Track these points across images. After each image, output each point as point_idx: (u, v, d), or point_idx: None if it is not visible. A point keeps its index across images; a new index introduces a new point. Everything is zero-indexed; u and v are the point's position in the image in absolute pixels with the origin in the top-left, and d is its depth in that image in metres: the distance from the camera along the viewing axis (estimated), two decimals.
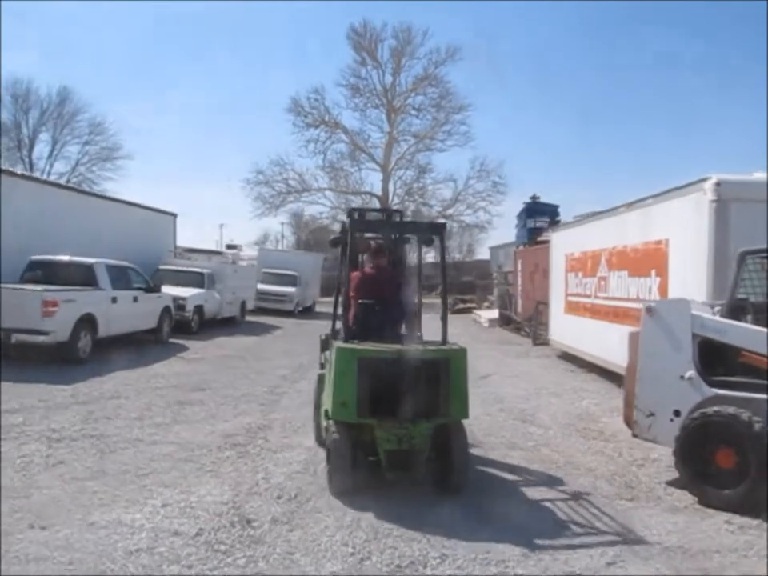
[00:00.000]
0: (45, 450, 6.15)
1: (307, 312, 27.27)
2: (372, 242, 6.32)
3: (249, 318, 21.65)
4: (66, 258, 11.92)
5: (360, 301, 5.73)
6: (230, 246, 27.08)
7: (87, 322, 11.03)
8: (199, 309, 16.81)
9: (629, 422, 5.97)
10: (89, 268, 11.79)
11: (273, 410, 8.28)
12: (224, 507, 4.81)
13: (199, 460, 6.02)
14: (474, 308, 28.12)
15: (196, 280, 17.28)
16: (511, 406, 8.99)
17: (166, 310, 14.37)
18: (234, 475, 5.57)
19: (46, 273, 11.64)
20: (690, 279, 7.90)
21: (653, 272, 8.94)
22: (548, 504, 5.18)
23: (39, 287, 10.39)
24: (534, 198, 20.77)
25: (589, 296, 11.69)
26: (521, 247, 21.51)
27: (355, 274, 5.97)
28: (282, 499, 5.02)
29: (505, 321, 21.48)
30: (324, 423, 5.66)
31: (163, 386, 9.57)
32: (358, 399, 5.00)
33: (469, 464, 5.44)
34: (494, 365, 13.15)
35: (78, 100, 44.09)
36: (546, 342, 16.57)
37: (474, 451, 6.24)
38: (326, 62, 69.20)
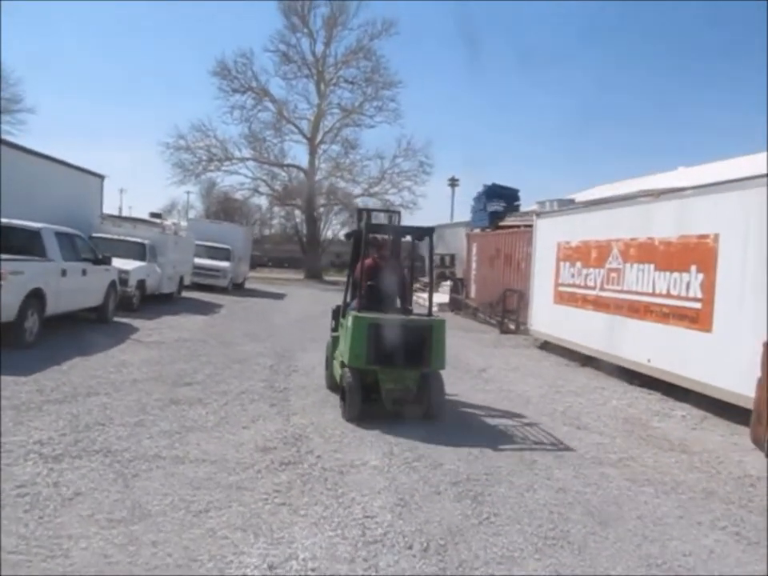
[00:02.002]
0: (45, 473, 4.69)
1: (239, 289, 25.56)
2: (378, 238, 7.87)
3: (183, 294, 19.81)
4: (5, 220, 9.94)
5: (368, 282, 7.37)
6: (153, 215, 24.78)
7: (35, 297, 9.23)
8: (141, 284, 14.97)
9: (759, 440, 5.27)
10: (35, 234, 9.90)
11: (290, 412, 7.07)
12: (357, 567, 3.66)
13: (257, 487, 4.77)
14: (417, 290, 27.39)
15: (136, 251, 15.37)
16: (545, 408, 8.20)
17: (112, 284, 12.56)
18: (324, 513, 4.37)
19: None
20: (750, 278, 7.35)
21: (693, 268, 8.37)
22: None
23: None
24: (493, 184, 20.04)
25: (592, 287, 11.09)
26: (475, 230, 20.85)
27: (366, 262, 7.47)
28: (417, 549, 3.91)
29: (455, 306, 20.84)
30: (339, 371, 7.36)
31: (141, 379, 8.08)
32: (367, 352, 6.79)
33: (444, 401, 7.22)
34: (479, 356, 12.41)
35: None
36: (512, 331, 16.08)
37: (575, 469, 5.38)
38: (253, 25, 65.62)
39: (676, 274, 8.73)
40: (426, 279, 30.21)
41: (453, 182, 58.90)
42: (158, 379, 8.18)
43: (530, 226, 16.56)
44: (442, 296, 23.72)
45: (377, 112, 39.99)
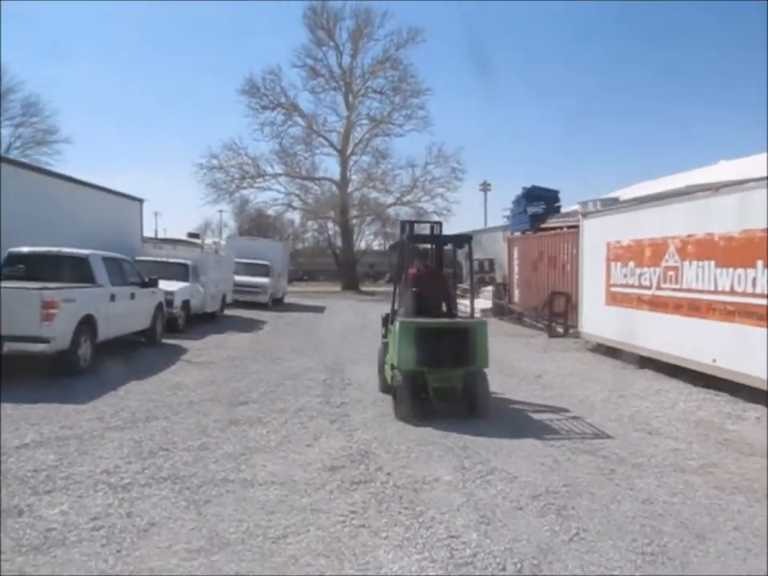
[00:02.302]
0: (117, 503, 4.61)
1: (279, 304, 25.60)
2: (420, 248, 8.45)
3: (225, 312, 19.89)
4: (54, 249, 10.06)
5: (414, 289, 7.86)
6: (191, 235, 25.00)
7: (87, 324, 9.27)
8: (186, 304, 15.04)
9: None
10: (83, 261, 9.98)
11: (352, 428, 6.91)
12: None
13: (332, 509, 4.62)
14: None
15: (180, 272, 15.47)
16: (611, 414, 7.91)
17: (159, 307, 12.62)
18: (406, 534, 4.20)
19: (29, 268, 9.77)
20: None
21: (759, 263, 8.01)
22: None
23: (36, 285, 8.55)
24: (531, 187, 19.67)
25: (647, 287, 10.74)
26: (516, 234, 20.54)
27: (411, 271, 8.04)
28: (511, 571, 3.71)
29: (499, 311, 20.53)
30: (390, 373, 7.80)
31: (197, 400, 8.02)
32: (415, 355, 7.20)
33: (489, 398, 7.55)
34: (531, 361, 12.13)
35: (10, 78, 40.31)
36: (560, 335, 15.74)
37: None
38: (279, 42, 66.36)
39: (740, 270, 8.37)
40: (464, 285, 29.99)
41: (485, 187, 58.72)
42: (213, 400, 8.13)
43: (574, 227, 16.24)
44: (483, 302, 23.41)
45: (406, 120, 40.00)
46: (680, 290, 9.77)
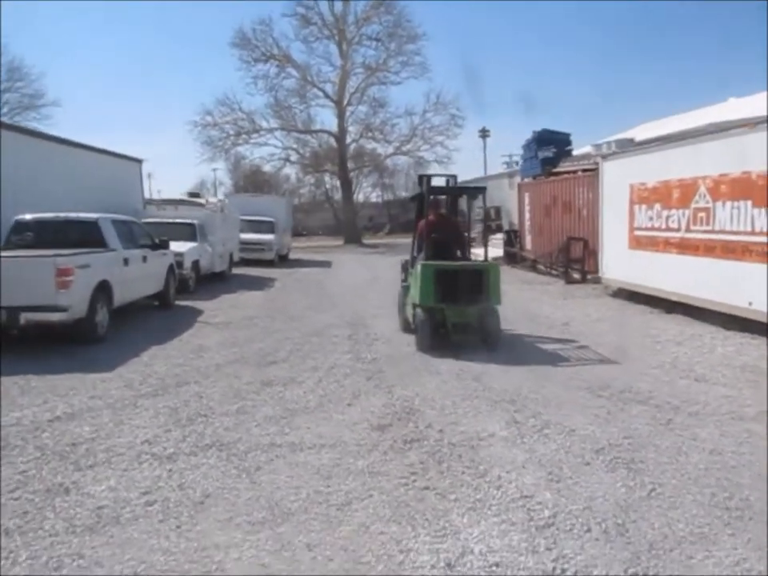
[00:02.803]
0: (165, 476, 4.41)
1: (284, 260, 25.28)
2: (437, 199, 9.22)
3: (233, 271, 19.59)
4: (62, 215, 9.69)
5: (433, 236, 8.63)
6: (192, 194, 24.32)
7: (102, 290, 8.97)
8: (196, 265, 14.72)
9: None
10: (93, 225, 9.62)
11: (389, 384, 6.70)
12: None
13: (390, 471, 4.41)
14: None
15: (187, 232, 15.09)
16: (651, 360, 7.74)
17: (171, 269, 12.30)
18: (476, 495, 4.00)
19: (38, 235, 9.43)
20: None
21: None
22: None
23: (48, 252, 8.21)
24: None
25: (675, 229, 10.43)
26: (526, 179, 20.08)
27: (430, 219, 8.75)
28: (598, 532, 3.52)
29: (511, 259, 20.23)
30: (412, 312, 8.62)
31: (223, 363, 7.80)
32: (435, 293, 8.06)
33: (500, 332, 8.38)
34: (554, 309, 11.91)
35: None
36: (577, 281, 15.50)
37: None
38: None
39: None
40: (471, 235, 29.70)
41: (484, 133, 57.73)
42: (241, 361, 7.91)
43: (589, 170, 15.84)
44: (492, 250, 23.11)
45: (402, 68, 38.82)
46: (712, 231, 9.46)
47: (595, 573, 3.11)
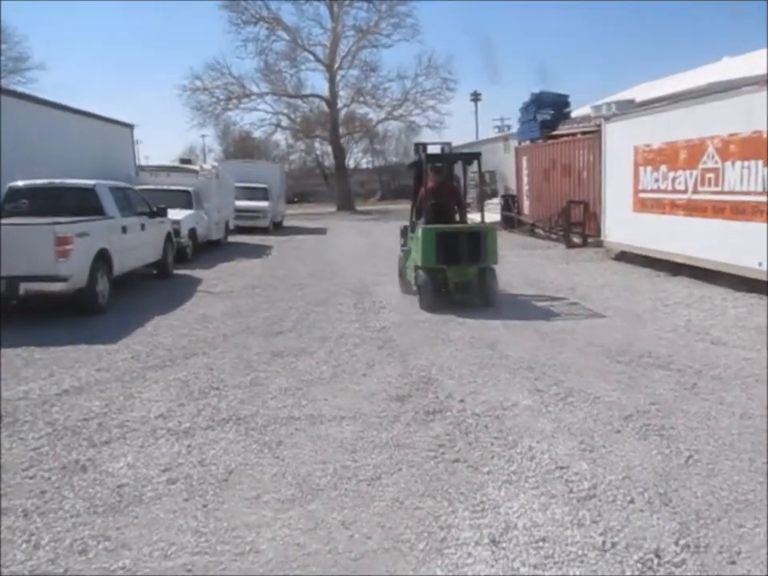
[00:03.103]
0: (185, 452, 4.25)
1: (279, 228, 24.93)
2: (435, 165, 9.20)
3: (229, 239, 19.29)
4: (57, 181, 9.37)
5: (432, 201, 8.93)
6: (183, 161, 23.79)
7: (102, 259, 8.71)
8: (193, 233, 14.43)
9: None
10: (90, 192, 9.32)
11: (402, 353, 6.55)
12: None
13: (416, 443, 4.27)
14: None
15: (183, 200, 14.75)
16: (664, 324, 7.62)
17: (169, 237, 12.03)
18: (509, 467, 3.86)
19: (33, 202, 9.12)
20: None
21: None
22: None
23: (47, 220, 7.93)
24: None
25: (682, 191, 10.24)
26: (524, 143, 19.74)
27: (429, 186, 9.01)
28: (641, 502, 3.39)
29: (508, 224, 20.01)
30: (413, 275, 9.03)
31: (230, 333, 7.62)
32: (436, 255, 8.44)
33: (496, 289, 8.85)
34: (558, 274, 11.75)
35: None
36: (578, 245, 15.34)
37: None
38: None
39: None
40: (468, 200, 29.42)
41: (475, 97, 56.87)
42: (247, 331, 7.73)
43: (589, 132, 15.58)
44: (487, 215, 22.84)
45: (394, 30, 37.94)
46: (721, 192, 9.28)
47: (646, 545, 2.98)
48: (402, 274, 9.97)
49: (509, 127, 59.07)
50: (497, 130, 61.41)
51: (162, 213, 11.22)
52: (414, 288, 9.05)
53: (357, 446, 4.28)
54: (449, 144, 10.19)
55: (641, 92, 23.07)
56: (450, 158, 9.93)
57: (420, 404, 5.05)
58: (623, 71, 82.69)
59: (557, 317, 8.14)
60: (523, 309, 8.68)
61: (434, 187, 9.09)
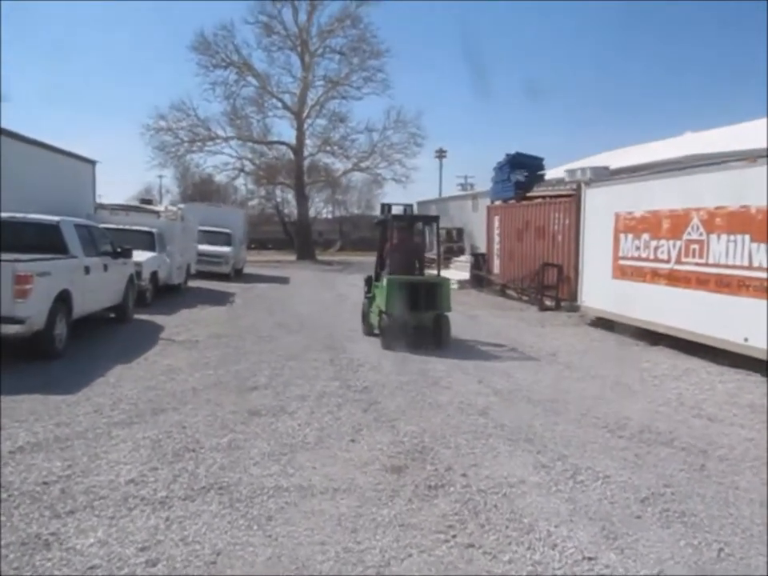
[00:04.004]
0: (163, 526, 3.83)
1: (239, 275, 24.45)
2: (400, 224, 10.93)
3: (189, 284, 18.77)
4: (19, 215, 8.90)
5: (396, 254, 10.41)
6: (144, 201, 23.33)
7: (63, 301, 8.23)
8: (154, 276, 13.95)
9: None
10: (54, 229, 8.87)
11: (390, 418, 6.24)
12: None
13: (423, 524, 3.95)
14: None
15: (145, 241, 14.29)
16: (656, 397, 7.53)
17: (131, 279, 11.55)
18: (531, 556, 3.57)
19: None
20: None
21: None
22: None
23: (6, 257, 7.44)
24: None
25: (665, 261, 10.35)
26: (497, 202, 19.99)
27: (394, 242, 10.63)
28: None
29: (477, 282, 20.06)
30: (377, 319, 10.33)
31: (200, 387, 7.19)
32: (398, 301, 9.69)
33: (449, 334, 10.18)
34: (535, 337, 11.68)
35: None
36: (551, 308, 15.39)
37: None
38: None
39: None
40: (430, 255, 29.55)
41: (440, 154, 58.25)
42: (218, 386, 7.33)
43: (564, 195, 15.85)
44: (455, 272, 22.88)
45: (364, 83, 38.67)
46: (706, 264, 9.39)
47: None
48: (365, 318, 11.16)
49: (472, 186, 60.68)
50: (460, 187, 63.01)
51: (127, 254, 10.79)
52: (376, 330, 10.40)
53: (357, 524, 3.94)
54: (410, 206, 12.19)
55: (603, 160, 23.77)
56: (412, 218, 11.82)
57: (419, 477, 4.75)
58: (581, 138, 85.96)
59: (543, 381, 7.97)
60: (509, 375, 8.49)
61: (398, 243, 10.64)
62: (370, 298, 10.99)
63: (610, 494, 4.49)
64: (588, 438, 5.78)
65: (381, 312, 10.06)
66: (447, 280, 10.82)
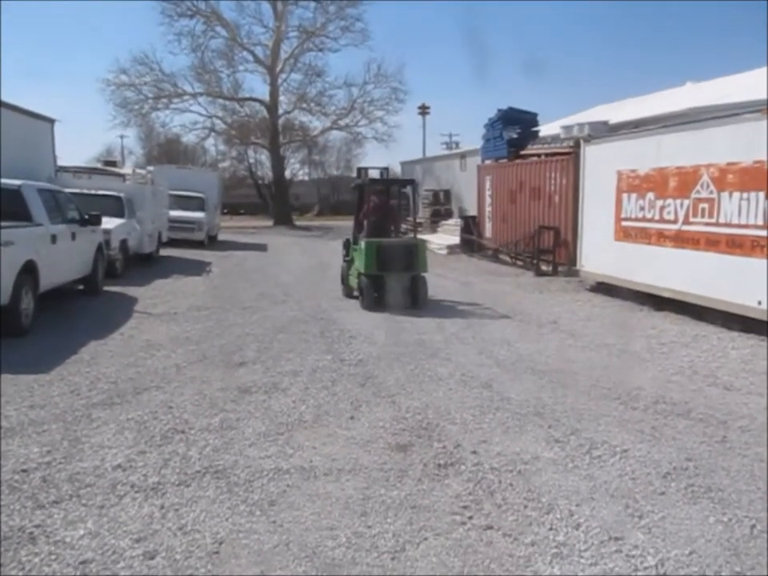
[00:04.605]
0: (158, 515, 3.76)
1: (213, 242, 24.18)
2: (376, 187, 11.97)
3: (161, 253, 18.51)
4: None
5: (372, 218, 11.28)
6: (107, 163, 22.87)
7: (28, 273, 8.04)
8: (124, 245, 13.71)
9: None
10: (15, 193, 8.61)
11: (389, 392, 6.21)
12: None
13: (436, 505, 3.91)
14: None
15: (114, 207, 14.00)
16: (667, 365, 7.55)
17: (100, 249, 11.32)
18: (555, 537, 3.54)
19: None
20: None
21: None
22: None
23: None
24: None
25: (671, 221, 10.33)
26: (488, 161, 19.84)
27: (371, 205, 11.41)
28: None
29: (468, 247, 19.99)
30: (356, 281, 11.24)
31: (183, 363, 7.09)
32: (376, 263, 10.65)
33: (426, 295, 11.06)
34: (534, 305, 11.69)
35: None
36: (547, 273, 15.39)
37: None
38: None
39: None
40: (417, 219, 29.32)
41: (423, 110, 57.50)
42: (203, 361, 7.24)
43: (561, 153, 15.76)
44: (443, 236, 22.83)
45: (342, 33, 38.00)
46: (716, 224, 9.38)
47: None
48: (344, 280, 12.04)
49: (457, 144, 60.25)
50: (444, 146, 62.56)
51: (96, 221, 10.54)
52: (356, 292, 11.25)
53: (366, 507, 3.90)
54: (386, 169, 13.58)
55: (600, 114, 23.63)
56: (388, 182, 13.14)
57: (427, 455, 4.72)
58: (575, 92, 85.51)
59: (546, 351, 7.97)
60: (510, 342, 8.47)
61: (374, 206, 11.48)
62: (348, 261, 11.80)
63: (630, 470, 4.48)
64: (600, 410, 5.77)
65: (360, 274, 10.89)
66: (423, 242, 12.06)
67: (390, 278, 10.71)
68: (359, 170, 12.85)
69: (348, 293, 11.78)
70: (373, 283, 10.66)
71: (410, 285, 10.77)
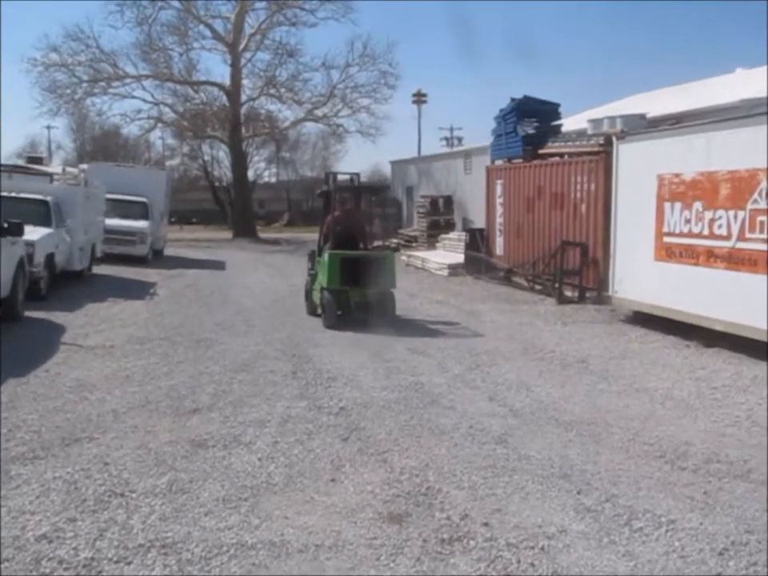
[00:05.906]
0: None
1: (159, 257, 24.19)
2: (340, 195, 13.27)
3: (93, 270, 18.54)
4: None
5: (337, 228, 12.47)
6: (31, 159, 22.94)
7: None
8: (50, 259, 13.71)
9: None
10: None
11: (378, 449, 6.24)
12: None
13: None
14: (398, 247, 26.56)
15: (38, 214, 14.06)
16: (722, 416, 7.63)
17: (21, 264, 11.31)
18: None
19: None
20: None
21: None
22: None
23: None
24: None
25: (723, 237, 10.45)
26: (498, 162, 20.06)
27: (336, 214, 12.74)
28: None
29: (474, 267, 20.10)
30: (319, 296, 12.40)
31: (121, 409, 7.10)
32: (340, 277, 11.80)
33: (394, 311, 12.49)
34: (558, 338, 11.83)
35: None
36: (573, 300, 15.50)
37: None
38: None
39: None
40: (411, 231, 29.59)
41: (419, 98, 58.16)
42: (147, 406, 7.25)
43: (589, 153, 15.93)
44: (443, 254, 22.96)
45: (320, 4, 38.43)
46: None
47: None
48: (307, 296, 13.26)
49: (460, 140, 60.89)
50: (444, 142, 63.23)
51: (17, 230, 10.52)
52: (319, 309, 12.35)
53: None
54: (357, 174, 14.04)
55: (635, 105, 23.95)
56: (358, 189, 13.83)
57: (427, 528, 4.70)
58: (599, 78, 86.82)
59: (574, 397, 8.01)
60: (525, 391, 8.51)
61: (340, 216, 12.71)
62: (312, 275, 13.02)
63: (678, 546, 4.49)
64: (641, 471, 5.81)
65: (322, 289, 12.05)
66: (392, 254, 13.63)
67: (355, 294, 11.79)
68: (327, 174, 14.24)
69: (311, 310, 12.91)
70: (336, 299, 11.77)
71: (377, 301, 11.86)
